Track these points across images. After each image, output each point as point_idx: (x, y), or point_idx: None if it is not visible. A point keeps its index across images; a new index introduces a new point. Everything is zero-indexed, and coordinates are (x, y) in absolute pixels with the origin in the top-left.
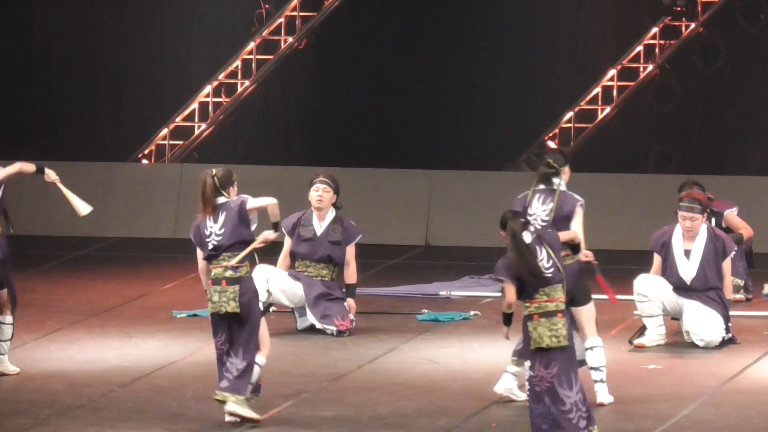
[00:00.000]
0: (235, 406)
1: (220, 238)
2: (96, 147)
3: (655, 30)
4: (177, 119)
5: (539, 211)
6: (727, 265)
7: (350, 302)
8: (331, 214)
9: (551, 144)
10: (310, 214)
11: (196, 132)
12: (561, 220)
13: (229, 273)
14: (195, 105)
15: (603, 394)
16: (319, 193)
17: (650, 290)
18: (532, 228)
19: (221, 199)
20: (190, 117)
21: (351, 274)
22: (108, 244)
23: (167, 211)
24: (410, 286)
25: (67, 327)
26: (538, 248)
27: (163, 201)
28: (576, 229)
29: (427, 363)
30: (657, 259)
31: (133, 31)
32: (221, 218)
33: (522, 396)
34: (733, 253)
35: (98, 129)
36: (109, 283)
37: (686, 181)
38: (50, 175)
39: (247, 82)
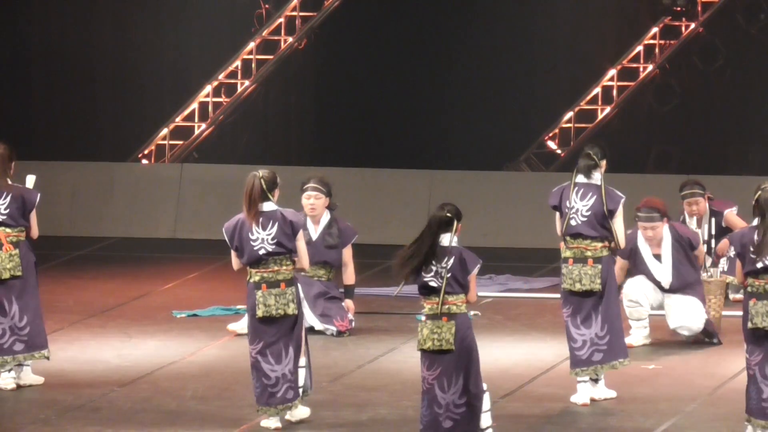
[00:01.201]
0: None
1: (273, 246)
2: (96, 147)
3: (655, 30)
4: (177, 119)
5: (579, 205)
6: (699, 243)
7: (348, 303)
8: (325, 217)
9: (551, 144)
10: (305, 218)
11: (196, 132)
12: (604, 216)
13: (282, 275)
14: (195, 105)
15: (602, 391)
16: (311, 201)
17: (641, 295)
18: (455, 235)
19: (268, 205)
20: (190, 117)
21: (349, 276)
22: (108, 244)
23: (167, 211)
24: (410, 286)
25: (67, 327)
26: (447, 257)
27: (163, 201)
28: (618, 225)
29: None
30: (621, 261)
31: (133, 31)
32: (273, 228)
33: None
34: (732, 253)
35: (98, 129)
36: (109, 283)
37: (687, 181)
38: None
39: (247, 82)
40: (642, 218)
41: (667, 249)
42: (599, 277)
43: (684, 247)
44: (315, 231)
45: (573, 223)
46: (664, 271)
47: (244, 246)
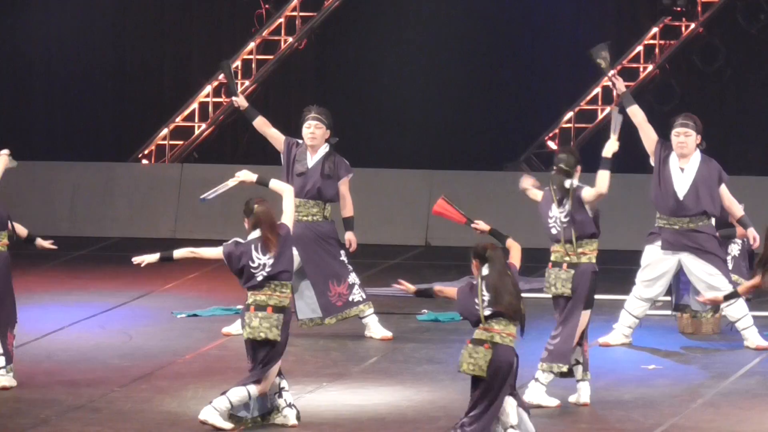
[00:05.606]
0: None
1: (270, 269)
2: (96, 147)
3: (655, 30)
4: (177, 119)
5: (557, 213)
6: (724, 191)
7: (349, 236)
8: (323, 149)
9: (551, 144)
10: (305, 149)
11: (196, 132)
12: (584, 219)
13: (274, 300)
14: (195, 105)
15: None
16: (311, 130)
17: (657, 273)
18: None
19: None
20: (190, 117)
21: (348, 208)
22: (108, 244)
23: (167, 211)
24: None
25: (67, 327)
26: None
27: (163, 201)
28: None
29: (427, 363)
30: (654, 138)
31: (133, 31)
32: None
33: (554, 402)
34: (738, 249)
35: (98, 129)
36: (109, 283)
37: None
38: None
39: (247, 82)
40: (677, 124)
41: (693, 165)
42: (570, 282)
43: (711, 171)
44: (311, 160)
45: (554, 231)
46: (684, 181)
47: (245, 271)
